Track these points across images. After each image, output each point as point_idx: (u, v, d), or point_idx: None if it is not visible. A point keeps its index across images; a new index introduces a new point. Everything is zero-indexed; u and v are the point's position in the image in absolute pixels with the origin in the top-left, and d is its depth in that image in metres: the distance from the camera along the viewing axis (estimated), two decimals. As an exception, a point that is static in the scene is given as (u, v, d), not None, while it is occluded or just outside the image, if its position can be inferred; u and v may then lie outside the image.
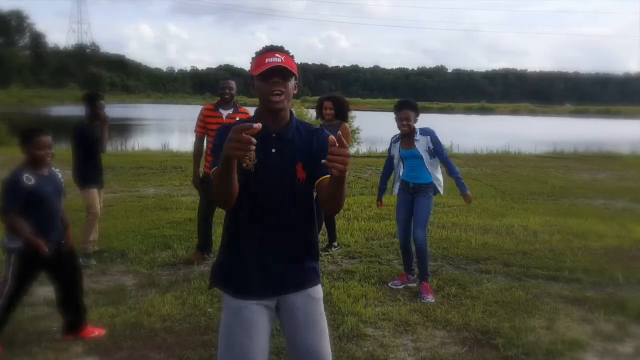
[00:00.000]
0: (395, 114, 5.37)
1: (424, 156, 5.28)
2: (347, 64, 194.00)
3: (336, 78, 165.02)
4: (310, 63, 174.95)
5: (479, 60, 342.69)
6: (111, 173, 12.50)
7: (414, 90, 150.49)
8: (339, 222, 7.94)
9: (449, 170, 5.40)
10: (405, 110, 5.31)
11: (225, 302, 2.44)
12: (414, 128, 5.35)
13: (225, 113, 6.05)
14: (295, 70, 2.38)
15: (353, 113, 21.77)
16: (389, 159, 5.63)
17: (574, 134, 33.86)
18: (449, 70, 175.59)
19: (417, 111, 5.38)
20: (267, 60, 2.33)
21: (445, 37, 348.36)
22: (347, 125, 6.46)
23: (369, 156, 17.99)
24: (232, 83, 6.20)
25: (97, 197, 6.11)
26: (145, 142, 23.30)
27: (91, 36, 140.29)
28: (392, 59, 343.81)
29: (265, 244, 2.40)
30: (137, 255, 6.23)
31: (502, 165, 17.16)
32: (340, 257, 6.48)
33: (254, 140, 1.94)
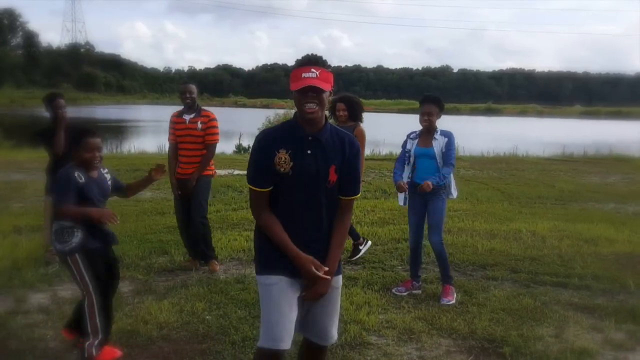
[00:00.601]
0: (420, 107, 5.43)
1: (437, 157, 5.28)
2: (350, 64, 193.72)
3: (338, 78, 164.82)
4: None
5: (485, 60, 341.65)
6: (106, 176, 12.53)
7: (418, 91, 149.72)
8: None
9: (444, 170, 5.27)
10: (428, 104, 5.37)
11: (261, 280, 2.82)
12: (435, 126, 5.38)
13: (188, 118, 6.08)
14: (329, 83, 2.70)
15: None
16: (403, 152, 5.56)
17: (583, 136, 33.86)
18: (455, 70, 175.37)
19: (441, 107, 5.41)
20: (303, 75, 2.63)
21: (450, 36, 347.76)
22: (361, 126, 6.44)
23: (372, 159, 18.00)
24: (192, 87, 6.16)
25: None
26: (141, 144, 23.33)
27: (85, 35, 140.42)
28: (395, 59, 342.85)
29: (298, 237, 2.75)
30: (134, 261, 6.25)
31: (509, 168, 17.17)
32: (342, 262, 6.47)
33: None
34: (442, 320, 4.77)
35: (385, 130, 25.53)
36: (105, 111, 63.63)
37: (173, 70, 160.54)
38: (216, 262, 6.22)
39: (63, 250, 3.83)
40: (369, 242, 6.84)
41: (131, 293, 5.32)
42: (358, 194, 2.90)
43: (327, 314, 2.93)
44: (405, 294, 5.48)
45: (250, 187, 2.77)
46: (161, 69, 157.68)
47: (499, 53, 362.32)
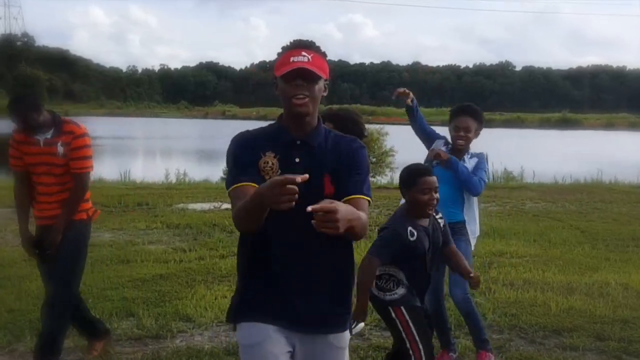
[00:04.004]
0: (450, 121, 5.39)
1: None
2: (376, 60, 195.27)
3: (361, 80, 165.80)
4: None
5: (558, 53, 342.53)
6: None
7: (468, 96, 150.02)
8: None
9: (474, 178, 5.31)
10: (465, 117, 5.31)
11: (241, 335, 2.89)
12: (469, 147, 5.38)
13: (42, 138, 5.23)
14: (324, 72, 2.78)
15: (385, 128, 21.88)
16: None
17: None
18: (518, 68, 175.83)
19: (481, 121, 5.37)
20: (292, 59, 2.73)
21: (511, 23, 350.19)
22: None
23: (386, 187, 18.09)
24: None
25: None
26: (98, 169, 23.38)
27: (23, 24, 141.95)
28: (438, 53, 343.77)
29: (286, 272, 2.80)
30: (89, 325, 6.28)
31: (591, 199, 17.12)
32: (368, 327, 6.51)
33: (297, 189, 2.38)
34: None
35: (423, 149, 25.26)
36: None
37: (140, 71, 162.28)
38: (98, 343, 5.70)
39: (384, 298, 4.34)
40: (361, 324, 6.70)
41: (86, 368, 5.38)
42: (369, 196, 2.89)
43: None
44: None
45: (234, 187, 2.78)
46: (124, 69, 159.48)
47: (577, 44, 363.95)
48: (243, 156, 2.82)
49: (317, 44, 2.86)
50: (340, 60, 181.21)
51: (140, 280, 7.99)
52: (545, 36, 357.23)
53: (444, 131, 5.62)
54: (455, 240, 5.20)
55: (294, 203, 2.38)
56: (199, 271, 8.36)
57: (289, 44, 2.83)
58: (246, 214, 2.61)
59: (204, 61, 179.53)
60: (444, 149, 5.41)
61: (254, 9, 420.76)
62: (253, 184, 2.73)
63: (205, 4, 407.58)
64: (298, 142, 2.82)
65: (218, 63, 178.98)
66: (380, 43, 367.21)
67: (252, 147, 2.82)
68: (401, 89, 5.50)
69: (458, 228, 5.28)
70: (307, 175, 2.39)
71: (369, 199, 2.89)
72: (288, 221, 2.71)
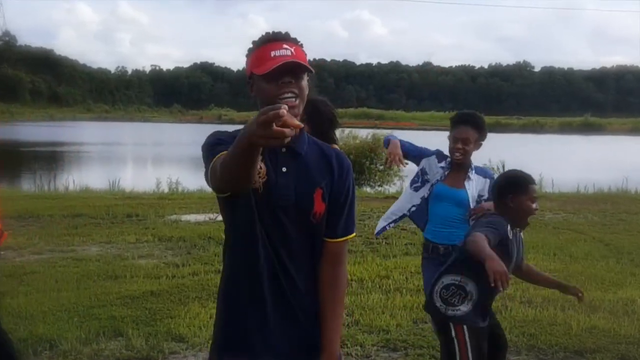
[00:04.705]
0: (450, 131, 5.30)
1: (470, 204, 5.17)
2: (384, 60, 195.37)
3: (368, 81, 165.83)
4: (328, 59, 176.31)
5: (580, 53, 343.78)
6: (35, 224, 12.66)
7: (484, 99, 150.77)
8: (375, 296, 7.98)
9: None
10: (464, 127, 5.18)
11: None
12: (470, 160, 5.28)
13: None
14: (309, 68, 2.62)
15: (394, 134, 21.86)
16: (419, 175, 5.46)
17: None
18: (537, 69, 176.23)
19: (482, 132, 5.24)
20: (272, 53, 2.58)
21: (530, 20, 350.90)
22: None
23: (376, 197, 18.12)
24: None
25: None
26: (84, 178, 23.54)
27: (4, 22, 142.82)
28: (451, 53, 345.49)
29: (262, 302, 2.69)
30: (74, 347, 6.30)
31: (616, 210, 17.10)
32: (375, 348, 6.51)
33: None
34: None
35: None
36: (33, 130, 64.37)
37: (129, 72, 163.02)
38: None
39: (446, 313, 4.31)
40: None
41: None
42: (352, 233, 2.84)
43: None
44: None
45: (217, 157, 2.54)
46: (112, 70, 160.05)
47: (601, 43, 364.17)
48: (222, 145, 2.59)
49: (293, 36, 2.71)
50: (345, 61, 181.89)
51: (130, 297, 7.99)
52: (566, 34, 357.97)
53: None
54: None
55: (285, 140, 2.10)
56: (192, 287, 8.36)
57: (261, 36, 2.68)
58: (231, 159, 2.32)
59: (198, 61, 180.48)
60: (442, 164, 5.33)
61: (252, 5, 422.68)
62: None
63: (201, 0, 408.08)
64: (283, 150, 2.66)
65: (214, 63, 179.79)
66: (389, 42, 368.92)
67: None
68: (390, 158, 5.35)
69: None
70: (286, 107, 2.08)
71: (352, 235, 2.86)
72: (272, 239, 2.65)
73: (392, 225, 5.56)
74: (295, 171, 2.66)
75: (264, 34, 2.69)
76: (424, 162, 5.40)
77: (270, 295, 2.70)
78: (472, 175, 5.23)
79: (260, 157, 2.36)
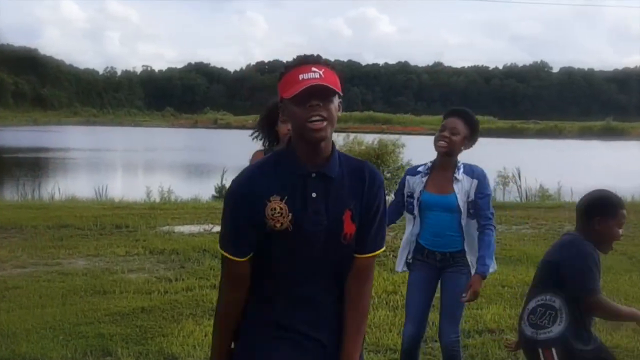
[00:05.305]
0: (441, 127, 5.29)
1: (462, 209, 5.15)
2: (392, 60, 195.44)
3: (374, 83, 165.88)
4: (332, 59, 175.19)
5: (602, 52, 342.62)
6: (17, 235, 12.64)
7: (498, 101, 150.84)
8: (382, 313, 7.98)
9: (480, 241, 5.18)
10: (455, 118, 5.21)
11: None
12: (457, 159, 5.24)
13: None
14: (338, 86, 2.77)
15: (401, 139, 21.93)
16: (399, 197, 5.48)
17: None
18: (555, 70, 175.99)
19: (473, 129, 5.24)
20: (301, 77, 2.71)
21: (547, 17, 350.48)
22: None
23: None
24: None
25: None
26: (70, 186, 23.57)
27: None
28: (463, 52, 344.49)
29: (291, 322, 2.83)
30: (59, 366, 6.30)
31: (640, 220, 17.09)
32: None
33: None
34: None
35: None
36: (16, 135, 64.35)
37: (119, 73, 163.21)
38: None
39: (534, 338, 4.18)
40: None
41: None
42: (381, 248, 2.98)
43: None
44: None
45: (224, 254, 2.87)
46: (101, 71, 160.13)
47: (624, 42, 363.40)
48: (241, 217, 2.81)
49: (325, 58, 2.85)
50: (350, 61, 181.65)
51: (119, 314, 7.98)
52: (586, 32, 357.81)
53: (477, 143, 5.46)
54: (455, 273, 5.21)
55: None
56: (186, 304, 8.35)
57: (292, 60, 2.82)
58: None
59: (193, 61, 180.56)
60: (420, 170, 5.37)
61: (251, 2, 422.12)
62: (242, 259, 2.81)
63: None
64: (313, 175, 2.79)
65: (209, 64, 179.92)
66: (396, 40, 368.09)
67: (256, 194, 2.77)
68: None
69: (459, 258, 5.22)
70: None
71: (381, 250, 2.99)
72: (301, 269, 2.82)
73: (410, 257, 5.48)
74: (325, 195, 2.80)
75: (295, 57, 2.83)
76: (405, 189, 5.43)
77: (299, 318, 2.85)
78: (460, 175, 5.18)
79: (278, 198, 2.72)
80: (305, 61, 2.78)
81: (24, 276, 9.75)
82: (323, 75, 2.71)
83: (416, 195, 5.27)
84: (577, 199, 16.87)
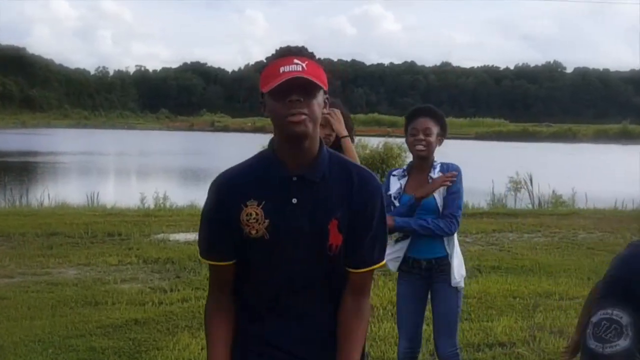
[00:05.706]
0: (406, 129, 5.26)
1: (440, 208, 5.13)
2: (398, 60, 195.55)
3: (379, 84, 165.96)
4: (335, 59, 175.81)
5: (618, 52, 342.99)
6: (5, 244, 12.64)
7: (509, 103, 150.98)
8: (387, 325, 7.97)
9: (439, 223, 5.09)
10: (423, 118, 5.14)
11: None
12: (434, 157, 5.22)
13: None
14: (323, 81, 2.64)
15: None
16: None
17: None
18: (569, 70, 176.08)
19: (442, 126, 5.24)
20: (281, 69, 2.58)
21: (560, 15, 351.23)
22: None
23: None
24: None
25: None
26: (61, 192, 23.56)
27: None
28: (472, 52, 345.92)
29: (277, 338, 2.78)
30: (49, 381, 6.30)
31: (659, 228, 17.07)
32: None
33: None
34: None
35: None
36: (4, 138, 64.39)
37: (111, 73, 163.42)
38: None
39: (599, 351, 4.12)
40: None
41: None
42: (380, 262, 2.85)
43: None
44: None
45: (205, 261, 2.87)
46: (92, 71, 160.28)
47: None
48: (216, 221, 2.78)
49: (310, 50, 2.71)
50: (353, 61, 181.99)
51: (112, 326, 7.98)
52: (601, 31, 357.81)
53: (475, 147, 5.49)
54: (440, 282, 5.18)
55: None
56: (182, 316, 8.35)
57: (274, 52, 2.69)
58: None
59: (188, 61, 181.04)
60: (395, 174, 5.38)
61: (250, 0, 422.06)
62: (223, 263, 2.78)
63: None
64: (294, 179, 2.67)
65: (206, 63, 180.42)
66: (402, 39, 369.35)
67: (233, 198, 2.71)
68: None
69: (444, 265, 5.17)
70: None
71: (381, 264, 2.86)
72: (281, 281, 2.75)
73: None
74: (307, 201, 2.68)
75: (277, 48, 2.70)
76: (390, 183, 5.39)
77: (284, 334, 2.80)
78: (435, 174, 5.15)
79: (255, 204, 2.66)
80: (288, 52, 2.64)
81: (12, 286, 9.74)
82: (306, 68, 2.57)
83: (395, 197, 5.25)
84: (592, 205, 17.05)
